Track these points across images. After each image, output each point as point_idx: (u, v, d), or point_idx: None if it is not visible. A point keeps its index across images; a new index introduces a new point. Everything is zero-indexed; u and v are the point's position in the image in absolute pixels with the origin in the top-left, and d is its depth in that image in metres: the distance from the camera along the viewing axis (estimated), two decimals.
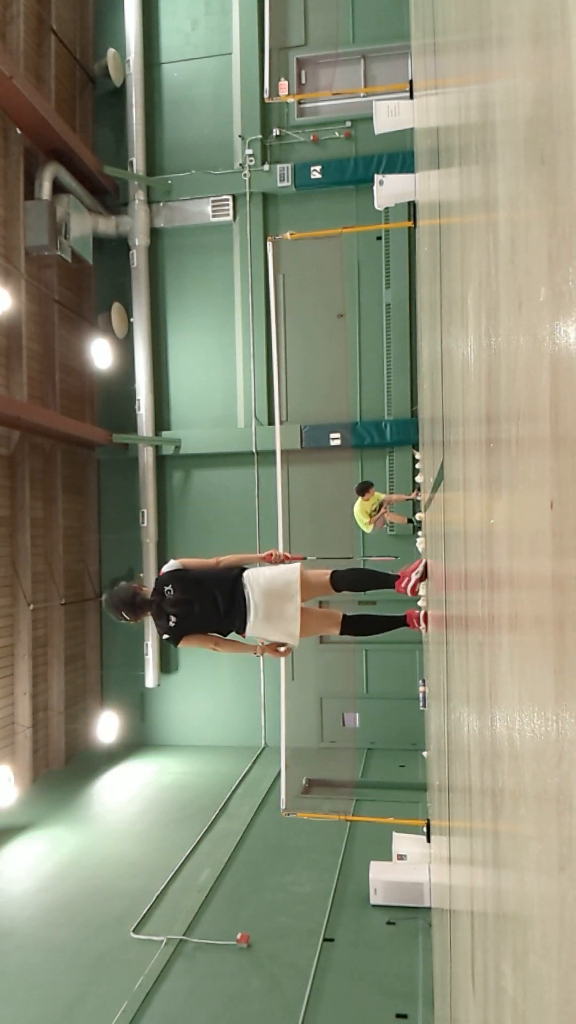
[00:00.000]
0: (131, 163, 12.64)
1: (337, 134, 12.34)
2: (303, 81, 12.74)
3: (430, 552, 4.67)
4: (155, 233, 12.89)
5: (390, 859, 7.38)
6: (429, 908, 6.61)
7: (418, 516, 9.38)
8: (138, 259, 12.71)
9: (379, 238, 12.19)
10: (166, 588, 4.54)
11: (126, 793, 10.75)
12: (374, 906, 7.16)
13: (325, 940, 6.73)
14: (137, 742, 12.77)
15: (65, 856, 8.76)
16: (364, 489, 9.89)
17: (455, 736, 2.47)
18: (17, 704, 10.73)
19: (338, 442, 12.09)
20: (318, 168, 12.12)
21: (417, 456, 10.20)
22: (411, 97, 7.96)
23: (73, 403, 12.59)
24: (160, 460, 12.91)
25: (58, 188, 11.62)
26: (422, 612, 4.87)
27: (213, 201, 12.65)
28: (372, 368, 12.30)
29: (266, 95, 12.15)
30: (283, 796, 8.30)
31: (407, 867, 7.14)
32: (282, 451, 9.52)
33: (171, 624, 4.54)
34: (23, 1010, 6.10)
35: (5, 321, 10.47)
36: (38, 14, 11.64)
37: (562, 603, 0.78)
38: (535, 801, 0.93)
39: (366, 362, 12.33)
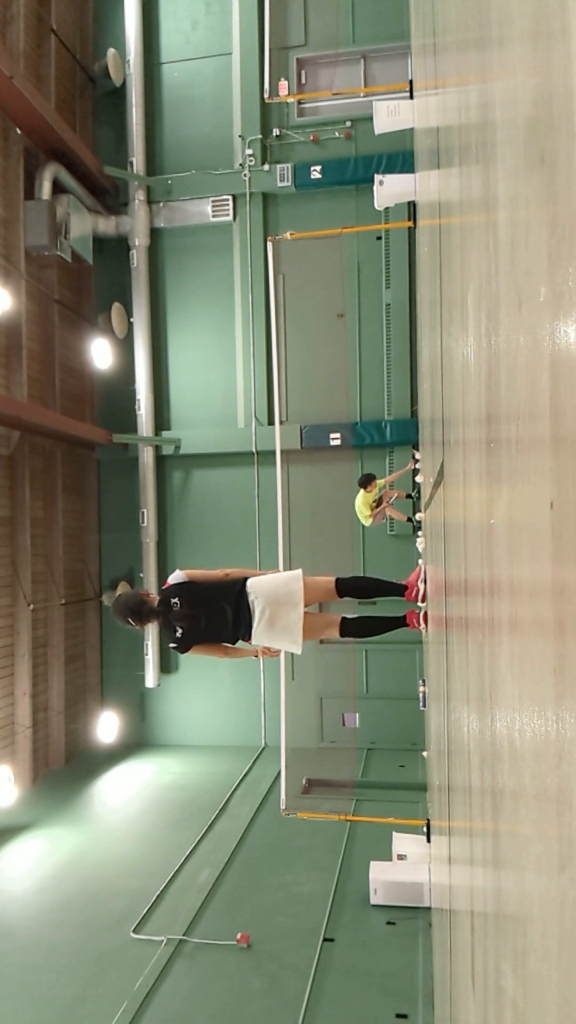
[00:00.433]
0: (131, 163, 12.64)
1: (337, 134, 12.34)
2: (303, 81, 12.74)
3: (430, 552, 4.67)
4: (155, 233, 12.89)
5: (390, 859, 7.38)
6: (429, 908, 6.61)
7: (418, 516, 9.38)
8: (138, 259, 12.71)
9: (379, 238, 12.19)
10: (173, 601, 4.60)
11: (126, 793, 10.75)
12: (374, 906, 7.15)
13: (325, 940, 6.73)
14: (137, 742, 12.77)
15: (65, 856, 8.76)
16: (367, 481, 9.92)
17: (455, 736, 2.47)
18: (17, 704, 10.73)
19: (338, 442, 12.09)
20: (318, 168, 12.12)
21: (417, 456, 10.20)
22: (411, 97, 7.95)
23: (73, 403, 12.59)
24: (160, 460, 12.91)
25: (58, 188, 11.62)
26: (422, 612, 4.89)
27: (213, 201, 12.65)
28: (372, 368, 12.29)
29: (266, 95, 12.15)
30: (283, 796, 8.30)
31: (407, 867, 7.14)
32: (282, 451, 9.52)
33: (178, 636, 4.64)
34: (23, 1010, 6.10)
35: (5, 321, 10.47)
36: (38, 14, 11.64)
37: (562, 603, 0.78)
38: (535, 801, 0.93)
39: (366, 362, 12.33)
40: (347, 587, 5.02)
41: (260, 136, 12.48)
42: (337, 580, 4.98)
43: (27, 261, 11.18)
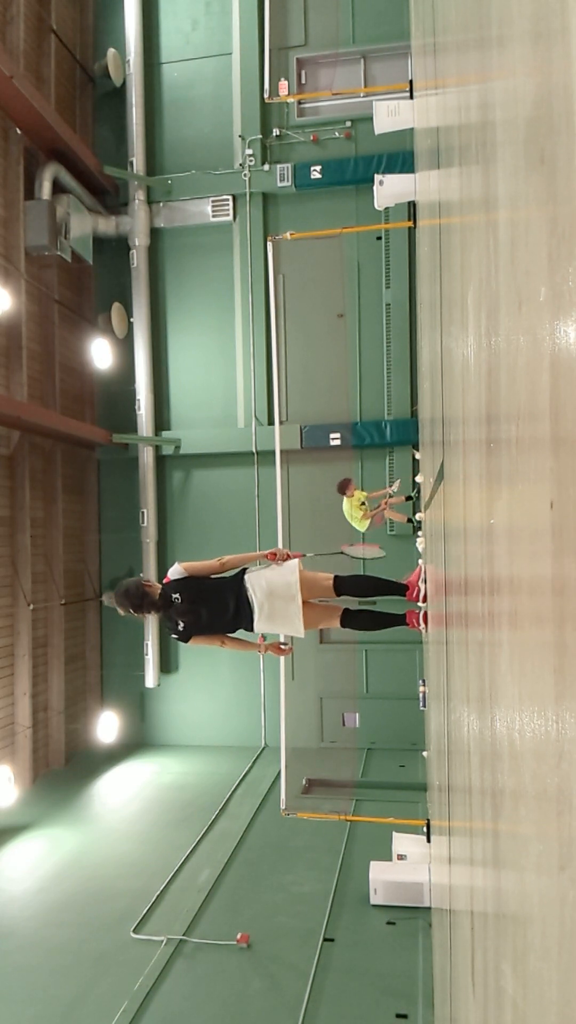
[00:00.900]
0: (131, 163, 12.64)
1: (337, 134, 12.34)
2: (303, 81, 12.74)
3: (430, 552, 4.67)
4: (155, 233, 12.89)
5: (390, 859, 7.38)
6: (429, 908, 6.61)
7: (418, 516, 9.35)
8: (138, 259, 12.71)
9: (379, 238, 12.19)
10: (174, 596, 4.68)
11: (126, 793, 10.75)
12: (374, 906, 7.15)
13: (325, 940, 6.73)
14: (137, 742, 12.77)
15: (65, 856, 8.76)
16: (344, 487, 9.49)
17: (455, 736, 2.47)
18: (17, 704, 10.73)
19: (338, 442, 12.09)
20: (318, 168, 12.12)
21: (417, 456, 10.18)
22: (411, 97, 7.96)
23: (73, 403, 12.59)
24: (160, 460, 12.91)
25: (58, 188, 11.62)
26: (421, 612, 4.91)
27: (213, 201, 12.65)
28: (372, 368, 12.29)
29: (266, 95, 12.15)
30: (283, 796, 8.30)
31: (407, 867, 7.14)
32: (282, 451, 9.51)
33: (180, 629, 4.77)
34: (23, 1010, 6.10)
35: (5, 321, 10.47)
36: (38, 14, 11.64)
37: (562, 603, 0.78)
38: (535, 801, 0.93)
39: (366, 362, 12.33)
40: (346, 585, 5.05)
41: (260, 136, 12.48)
42: (336, 578, 5.01)
43: (27, 261, 11.18)
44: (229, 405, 12.77)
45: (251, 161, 12.42)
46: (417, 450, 10.49)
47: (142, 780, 11.23)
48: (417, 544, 8.96)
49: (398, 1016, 5.72)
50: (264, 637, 5.09)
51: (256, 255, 12.38)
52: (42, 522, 11.63)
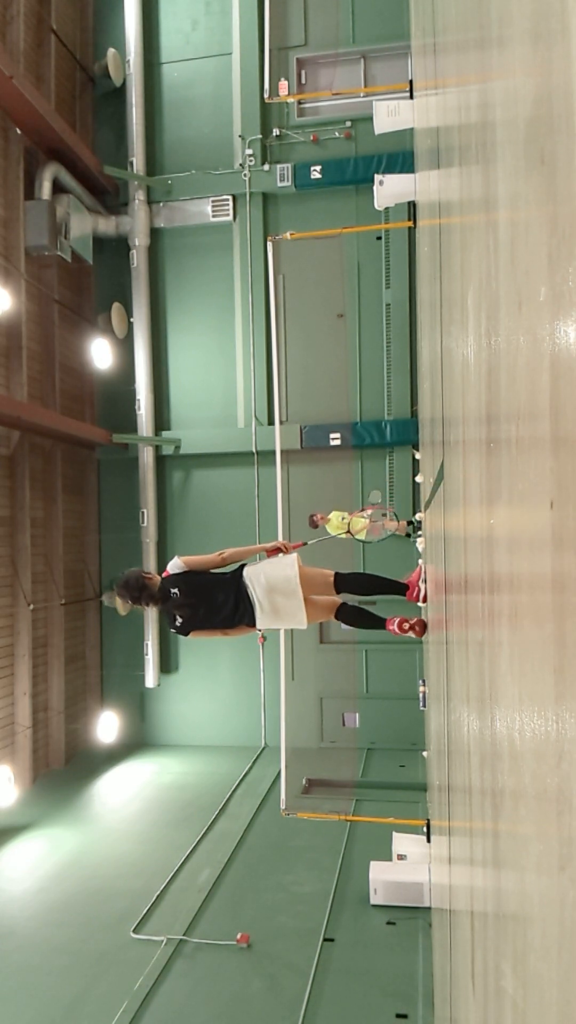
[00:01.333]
0: (131, 163, 12.64)
1: (337, 134, 12.34)
2: (303, 81, 12.74)
3: (430, 552, 4.67)
4: (155, 233, 12.89)
5: (390, 859, 7.38)
6: (429, 908, 6.61)
7: (418, 516, 9.33)
8: (138, 259, 12.71)
9: (379, 238, 12.19)
10: (172, 591, 4.66)
11: (126, 793, 10.75)
12: (374, 906, 7.15)
13: (325, 940, 6.73)
14: (137, 742, 12.77)
15: (65, 856, 8.76)
16: (312, 523, 9.57)
17: (455, 736, 2.47)
18: (17, 704, 10.73)
19: (338, 442, 12.09)
20: (318, 168, 12.12)
21: (417, 456, 10.14)
22: (411, 97, 7.96)
23: (73, 403, 12.59)
24: (160, 460, 12.91)
25: (58, 188, 11.62)
26: (408, 622, 4.90)
27: (213, 201, 12.65)
28: (372, 368, 12.29)
29: (266, 95, 12.15)
30: (283, 796, 8.30)
31: (407, 867, 7.14)
32: (282, 451, 9.52)
33: (178, 623, 4.76)
34: (23, 1010, 6.10)
35: (5, 321, 10.47)
36: (38, 14, 11.64)
37: (562, 603, 0.78)
38: (535, 801, 0.93)
39: (366, 362, 12.33)
40: (347, 583, 5.04)
41: (260, 136, 12.48)
42: (337, 575, 5.00)
43: (27, 261, 11.18)
44: (229, 405, 12.77)
45: (251, 161, 12.42)
46: (417, 450, 10.48)
47: (142, 780, 11.23)
48: (417, 544, 8.96)
49: (398, 1016, 5.72)
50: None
51: (256, 255, 12.38)
52: (42, 522, 11.63)
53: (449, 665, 2.72)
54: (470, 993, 1.97)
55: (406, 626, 4.89)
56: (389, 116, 8.36)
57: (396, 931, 6.80)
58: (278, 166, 12.33)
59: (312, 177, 12.15)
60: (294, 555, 4.85)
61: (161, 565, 12.71)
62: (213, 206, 12.65)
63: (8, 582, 10.69)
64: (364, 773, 10.94)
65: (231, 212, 12.60)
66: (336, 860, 8.15)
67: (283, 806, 8.20)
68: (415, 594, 5.02)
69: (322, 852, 8.41)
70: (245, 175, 12.45)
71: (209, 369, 12.83)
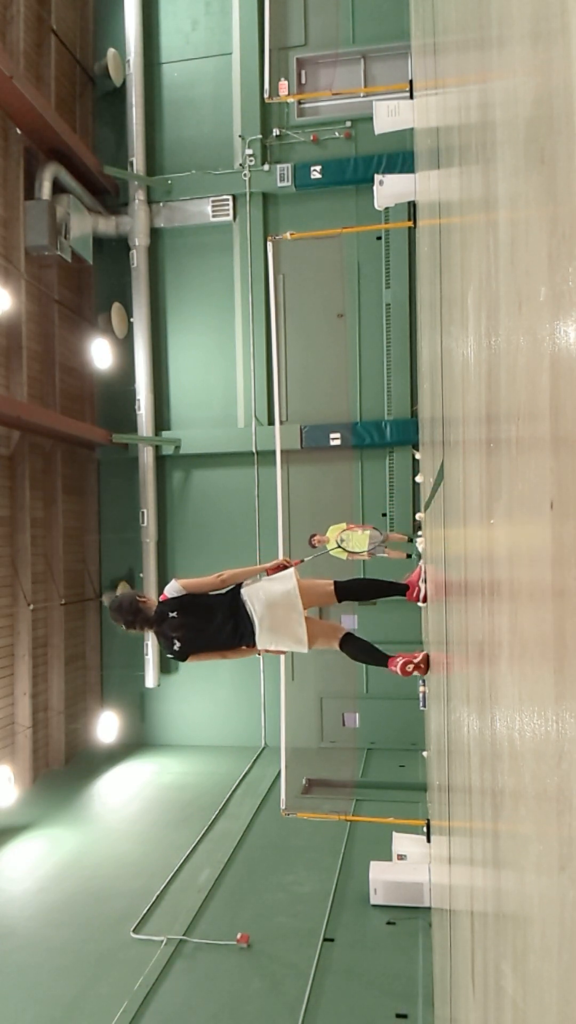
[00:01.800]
0: (131, 163, 12.63)
1: (337, 134, 12.34)
2: (303, 81, 12.74)
3: (430, 553, 4.67)
4: (155, 233, 12.89)
5: (390, 859, 7.38)
6: (429, 908, 6.61)
7: (418, 516, 9.31)
8: (138, 259, 12.71)
9: (379, 238, 12.19)
10: (170, 615, 4.58)
11: (126, 793, 10.75)
12: (374, 906, 7.15)
13: (325, 940, 6.73)
14: (137, 742, 12.77)
15: (65, 856, 8.76)
16: (311, 543, 9.09)
17: (455, 736, 2.46)
18: (17, 704, 10.73)
19: (338, 442, 12.09)
20: (318, 168, 12.12)
21: (417, 456, 10.13)
22: (411, 97, 7.96)
23: (73, 403, 12.59)
24: (160, 460, 12.91)
25: (58, 188, 11.62)
26: (412, 662, 4.74)
27: (213, 201, 12.65)
28: (372, 368, 12.29)
29: (266, 95, 12.15)
30: (283, 796, 8.30)
31: (407, 867, 7.14)
32: (282, 451, 9.51)
33: (175, 648, 4.66)
34: (23, 1010, 6.10)
35: (5, 321, 10.47)
36: (38, 14, 11.64)
37: (562, 603, 0.78)
38: (535, 801, 0.93)
39: (366, 362, 12.33)
40: (346, 591, 5.01)
41: (260, 136, 12.48)
42: (336, 583, 4.96)
43: (27, 261, 11.18)
44: (229, 405, 12.77)
45: (251, 161, 12.42)
46: (417, 450, 10.48)
47: (142, 780, 11.23)
48: (417, 544, 8.94)
49: (398, 1016, 5.72)
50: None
51: (256, 255, 12.38)
52: (42, 522, 11.63)
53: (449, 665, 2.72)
54: (470, 993, 1.97)
55: (410, 668, 4.70)
56: (389, 116, 8.36)
57: (396, 931, 6.80)
58: (278, 166, 12.33)
59: (312, 177, 12.15)
60: (291, 570, 4.79)
61: (161, 566, 12.73)
62: (213, 206, 12.65)
63: (8, 582, 10.69)
64: (364, 773, 10.94)
65: (231, 212, 12.60)
66: (336, 860, 8.15)
67: (283, 806, 8.20)
68: (415, 594, 5.01)
69: (322, 852, 8.41)
70: (245, 175, 12.45)
71: (209, 369, 12.83)
